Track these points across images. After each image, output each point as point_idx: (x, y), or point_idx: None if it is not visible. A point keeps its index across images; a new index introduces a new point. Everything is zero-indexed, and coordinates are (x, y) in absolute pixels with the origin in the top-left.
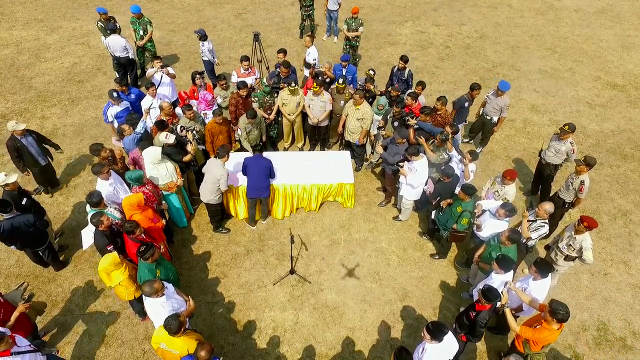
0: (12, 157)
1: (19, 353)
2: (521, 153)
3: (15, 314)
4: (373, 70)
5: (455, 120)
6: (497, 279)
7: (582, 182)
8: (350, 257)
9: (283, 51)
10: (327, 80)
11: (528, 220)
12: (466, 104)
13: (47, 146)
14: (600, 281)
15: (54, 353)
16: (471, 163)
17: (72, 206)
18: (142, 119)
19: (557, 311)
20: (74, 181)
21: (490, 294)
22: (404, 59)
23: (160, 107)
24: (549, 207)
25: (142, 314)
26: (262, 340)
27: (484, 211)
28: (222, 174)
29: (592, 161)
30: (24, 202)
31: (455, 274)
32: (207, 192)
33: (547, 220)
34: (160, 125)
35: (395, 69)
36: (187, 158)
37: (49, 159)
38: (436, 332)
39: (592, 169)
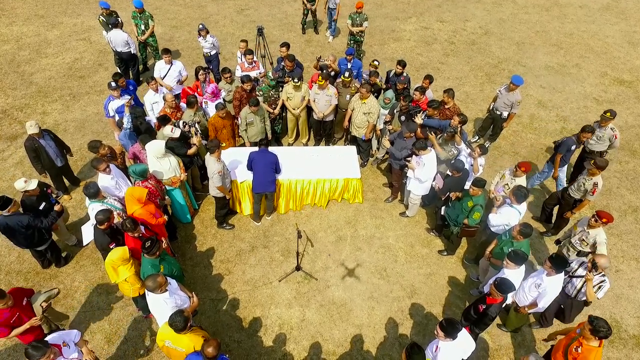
0: (30, 158)
1: None
2: (528, 149)
3: (25, 326)
4: (377, 60)
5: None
6: (510, 274)
7: (595, 185)
8: (357, 254)
9: (286, 45)
10: (332, 73)
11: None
12: (573, 147)
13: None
14: (612, 278)
15: None
16: (480, 157)
17: (74, 202)
18: (125, 114)
19: (599, 329)
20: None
21: (503, 286)
22: (402, 63)
23: (164, 99)
24: (604, 261)
25: (146, 310)
26: (268, 338)
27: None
28: (214, 170)
29: (603, 163)
30: (41, 207)
31: (464, 270)
32: (212, 187)
33: (604, 273)
34: (162, 121)
35: (392, 73)
36: (191, 151)
37: (66, 159)
38: (450, 329)
39: None
